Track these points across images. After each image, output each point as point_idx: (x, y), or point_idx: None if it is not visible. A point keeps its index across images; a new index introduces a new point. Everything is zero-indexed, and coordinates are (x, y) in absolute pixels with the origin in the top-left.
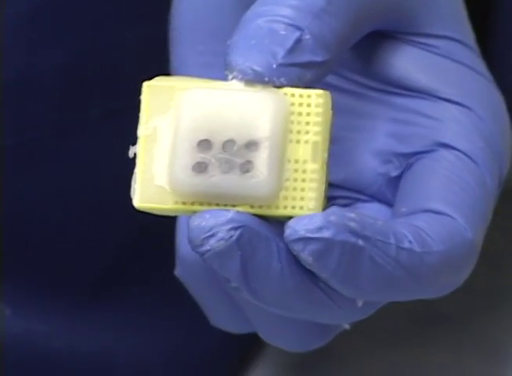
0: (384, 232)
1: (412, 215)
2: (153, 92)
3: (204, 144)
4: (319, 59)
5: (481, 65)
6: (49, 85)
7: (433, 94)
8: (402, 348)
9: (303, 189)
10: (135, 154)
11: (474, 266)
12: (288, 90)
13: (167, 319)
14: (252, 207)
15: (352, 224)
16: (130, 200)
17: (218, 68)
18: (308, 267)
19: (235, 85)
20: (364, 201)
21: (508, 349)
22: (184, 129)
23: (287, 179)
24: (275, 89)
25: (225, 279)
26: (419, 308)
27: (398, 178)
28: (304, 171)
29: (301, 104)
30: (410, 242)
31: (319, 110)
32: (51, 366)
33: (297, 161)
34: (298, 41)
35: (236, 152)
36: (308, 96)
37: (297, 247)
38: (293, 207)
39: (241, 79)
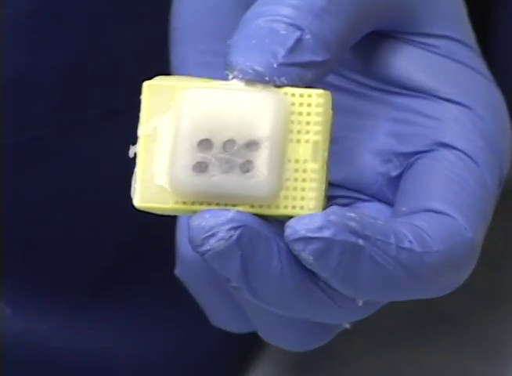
0: (384, 231)
1: (412, 215)
2: (154, 92)
3: (205, 144)
4: (319, 58)
5: (481, 65)
6: (49, 85)
7: (433, 94)
8: (402, 348)
9: (303, 189)
10: (135, 154)
11: (474, 266)
12: (288, 90)
13: (167, 319)
14: (252, 206)
15: (352, 224)
16: (130, 199)
17: (218, 68)
18: (308, 267)
19: (235, 85)
20: (364, 201)
21: (508, 349)
22: (184, 129)
23: (287, 179)
24: (276, 89)
25: (226, 279)
26: (419, 307)
27: (399, 177)
28: (304, 171)
29: (301, 104)
30: (410, 242)
31: (320, 109)
32: (51, 366)
33: (297, 161)
34: (299, 40)
35: (236, 152)
36: (309, 96)
37: (297, 247)
38: (294, 207)
39: (241, 79)
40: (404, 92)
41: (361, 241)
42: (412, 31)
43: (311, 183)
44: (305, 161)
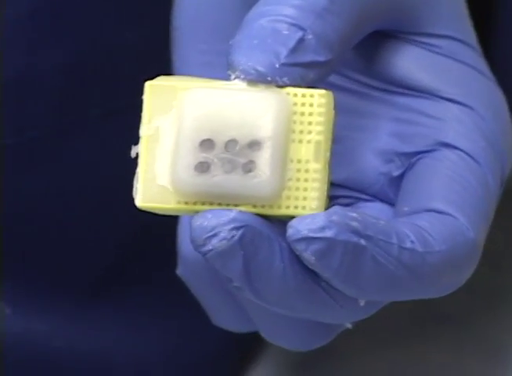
0: (386, 231)
1: (414, 215)
2: (156, 92)
3: (207, 144)
4: (321, 58)
5: (482, 65)
6: (49, 85)
7: (435, 94)
8: (402, 348)
9: (305, 189)
10: (137, 154)
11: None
12: (291, 90)
13: (167, 319)
14: (254, 206)
15: (354, 224)
16: (130, 199)
17: (220, 67)
18: (310, 267)
19: (237, 85)
20: (366, 201)
21: (508, 349)
22: (186, 129)
23: (290, 179)
24: (278, 89)
25: (228, 279)
26: (420, 307)
27: (400, 177)
28: (306, 171)
29: (303, 104)
30: (412, 242)
31: (322, 109)
32: (51, 366)
33: (299, 161)
34: (301, 40)
35: (238, 152)
36: (311, 96)
37: (299, 247)
38: (296, 207)
39: (244, 79)
40: (406, 91)
41: (363, 241)
42: (414, 31)
43: (314, 183)
44: (307, 161)
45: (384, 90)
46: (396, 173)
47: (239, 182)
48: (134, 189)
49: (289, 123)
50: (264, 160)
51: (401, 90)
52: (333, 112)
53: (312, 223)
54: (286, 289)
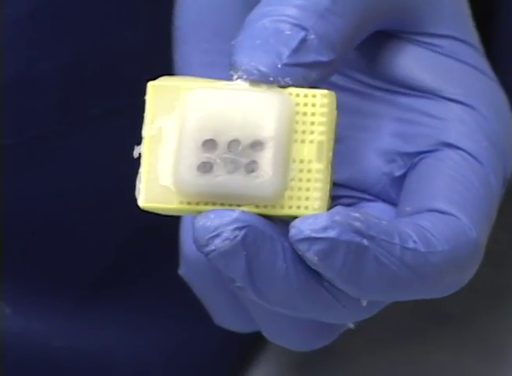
0: (388, 232)
1: (416, 215)
2: (158, 92)
3: (209, 144)
4: (324, 59)
5: (484, 64)
6: (49, 85)
7: (437, 93)
8: (403, 348)
9: (308, 189)
10: (139, 154)
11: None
12: (293, 90)
13: (167, 319)
14: (257, 207)
15: (357, 224)
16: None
17: (222, 67)
18: (313, 267)
19: (240, 85)
20: (368, 201)
21: (509, 349)
22: (189, 129)
23: (292, 179)
24: (280, 89)
25: (230, 279)
26: (421, 307)
27: (403, 177)
28: (309, 171)
29: (305, 104)
30: (415, 242)
31: (324, 109)
32: (51, 366)
33: (302, 161)
34: (303, 40)
35: (241, 152)
36: (313, 96)
37: (302, 247)
38: (298, 207)
39: (246, 79)
40: (408, 91)
41: (365, 241)
42: (416, 31)
43: (316, 183)
44: (310, 161)
45: (387, 90)
46: (398, 173)
47: (241, 183)
48: (136, 189)
49: (291, 123)
50: (266, 160)
51: (403, 90)
52: (335, 112)
53: (315, 223)
54: (288, 289)
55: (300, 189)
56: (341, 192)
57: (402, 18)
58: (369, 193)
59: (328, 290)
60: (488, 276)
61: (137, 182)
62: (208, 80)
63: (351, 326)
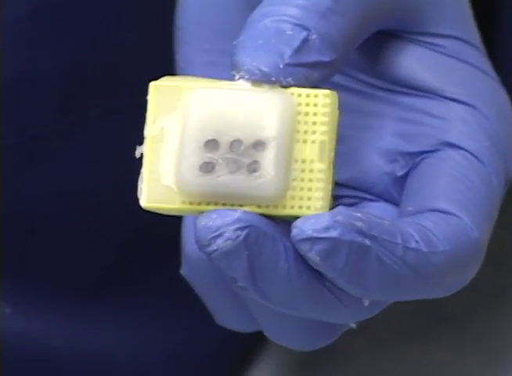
0: (390, 231)
1: (418, 215)
2: (160, 92)
3: (211, 144)
4: (325, 58)
5: (486, 64)
6: (49, 85)
7: (439, 93)
8: (404, 348)
9: (310, 189)
10: (141, 154)
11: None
12: (295, 90)
13: (167, 319)
14: (259, 207)
15: (359, 224)
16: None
17: (224, 67)
18: (315, 267)
19: (242, 85)
20: (370, 200)
21: (510, 349)
22: (191, 129)
23: (294, 179)
24: (282, 89)
25: (232, 279)
26: (422, 307)
27: (404, 177)
28: (311, 171)
29: (307, 104)
30: (417, 242)
31: (326, 109)
32: (51, 365)
33: (304, 161)
34: (305, 40)
35: (243, 152)
36: (315, 96)
37: (304, 247)
38: (300, 207)
39: (248, 79)
40: (410, 91)
41: (367, 241)
42: (418, 31)
43: (318, 183)
44: (312, 161)
45: (388, 90)
46: (400, 173)
47: (243, 183)
48: (138, 189)
49: (293, 123)
50: (268, 160)
51: (405, 90)
52: (337, 112)
53: (317, 223)
54: (290, 289)
55: (302, 189)
56: (343, 192)
57: (404, 18)
58: (370, 193)
59: (330, 290)
60: (490, 276)
61: (139, 182)
62: (210, 80)
63: (353, 326)
